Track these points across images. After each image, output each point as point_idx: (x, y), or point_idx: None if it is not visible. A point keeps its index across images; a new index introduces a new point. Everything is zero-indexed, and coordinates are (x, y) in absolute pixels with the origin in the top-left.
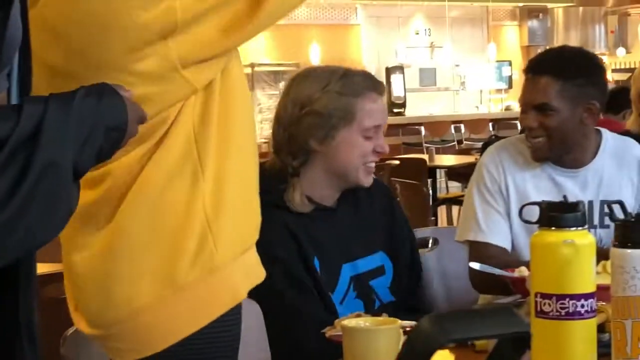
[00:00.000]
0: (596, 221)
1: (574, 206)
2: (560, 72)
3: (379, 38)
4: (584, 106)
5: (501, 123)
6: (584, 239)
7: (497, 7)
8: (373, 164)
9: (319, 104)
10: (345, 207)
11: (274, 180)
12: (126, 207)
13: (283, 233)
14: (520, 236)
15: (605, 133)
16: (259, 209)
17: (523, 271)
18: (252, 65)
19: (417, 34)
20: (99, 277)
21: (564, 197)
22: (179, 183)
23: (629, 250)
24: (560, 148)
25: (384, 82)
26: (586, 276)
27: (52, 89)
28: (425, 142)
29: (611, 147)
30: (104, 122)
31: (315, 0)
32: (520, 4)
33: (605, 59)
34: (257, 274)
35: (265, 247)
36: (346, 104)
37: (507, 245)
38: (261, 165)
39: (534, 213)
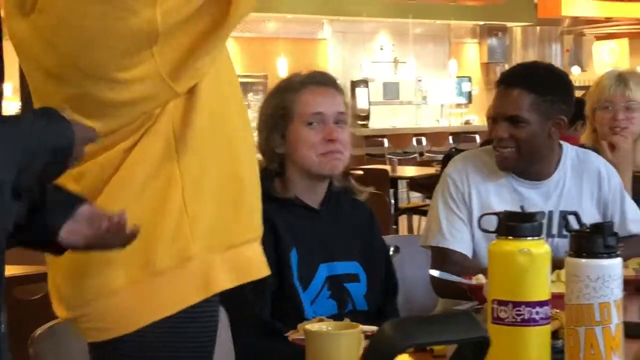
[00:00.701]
0: (555, 231)
1: (531, 216)
2: (533, 86)
3: (344, 52)
4: (553, 121)
5: (461, 136)
6: (539, 249)
7: (458, 25)
8: (333, 153)
9: (265, 109)
10: (328, 212)
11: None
12: (106, 197)
13: (266, 227)
14: (481, 244)
15: (567, 146)
16: (255, 211)
17: (480, 279)
18: None
19: (382, 49)
20: (76, 260)
21: (521, 207)
22: (157, 179)
23: (583, 260)
24: (527, 159)
25: (350, 95)
26: (541, 284)
27: (47, 90)
28: (388, 154)
29: (572, 160)
30: (49, 144)
31: (283, 14)
32: (481, 23)
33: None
34: (251, 271)
35: None
36: (283, 100)
37: (469, 252)
38: None
39: (493, 222)
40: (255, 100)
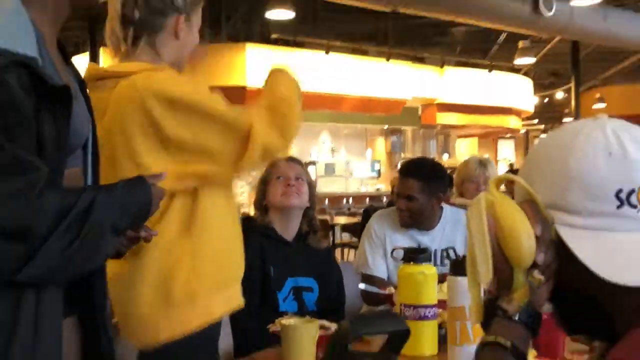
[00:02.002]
0: (438, 262)
1: (424, 251)
2: (421, 176)
3: (301, 144)
4: (435, 197)
5: (374, 198)
6: (430, 270)
7: (372, 128)
8: (288, 193)
9: (259, 181)
10: (298, 245)
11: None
12: (143, 254)
13: (256, 249)
14: (392, 271)
15: (445, 207)
16: (239, 266)
17: (391, 290)
18: None
19: (324, 142)
20: (121, 291)
21: (418, 245)
22: (176, 246)
23: (458, 278)
24: (418, 221)
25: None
26: (431, 294)
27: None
28: (328, 209)
29: (448, 215)
30: (135, 201)
31: None
32: (386, 126)
33: (437, 160)
34: (237, 302)
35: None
36: (267, 172)
37: (385, 277)
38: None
39: (401, 254)
40: (245, 177)
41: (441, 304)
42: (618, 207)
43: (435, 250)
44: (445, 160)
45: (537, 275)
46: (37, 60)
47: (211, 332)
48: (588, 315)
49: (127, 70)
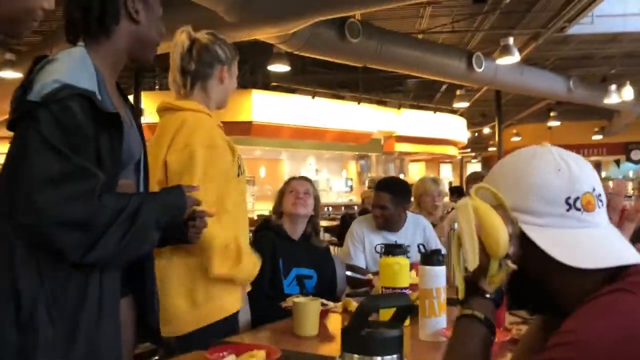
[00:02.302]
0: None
1: (400, 246)
2: (391, 190)
3: (292, 166)
4: (402, 206)
5: (348, 207)
6: (404, 262)
7: (346, 154)
8: (296, 204)
9: (279, 192)
10: (302, 243)
11: (273, 221)
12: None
13: (269, 245)
14: (370, 264)
15: (408, 213)
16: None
17: (370, 276)
18: None
19: (310, 165)
20: (165, 287)
21: (395, 242)
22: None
23: (427, 267)
24: (389, 224)
25: None
26: (405, 278)
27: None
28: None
29: (410, 219)
30: (173, 204)
31: (262, 147)
32: (356, 152)
33: None
34: (242, 300)
35: (257, 248)
36: (283, 187)
37: (364, 266)
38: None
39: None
40: (250, 189)
41: (413, 286)
42: (567, 210)
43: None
44: (401, 178)
45: (510, 264)
46: (95, 93)
47: (228, 318)
48: (535, 295)
49: (187, 107)
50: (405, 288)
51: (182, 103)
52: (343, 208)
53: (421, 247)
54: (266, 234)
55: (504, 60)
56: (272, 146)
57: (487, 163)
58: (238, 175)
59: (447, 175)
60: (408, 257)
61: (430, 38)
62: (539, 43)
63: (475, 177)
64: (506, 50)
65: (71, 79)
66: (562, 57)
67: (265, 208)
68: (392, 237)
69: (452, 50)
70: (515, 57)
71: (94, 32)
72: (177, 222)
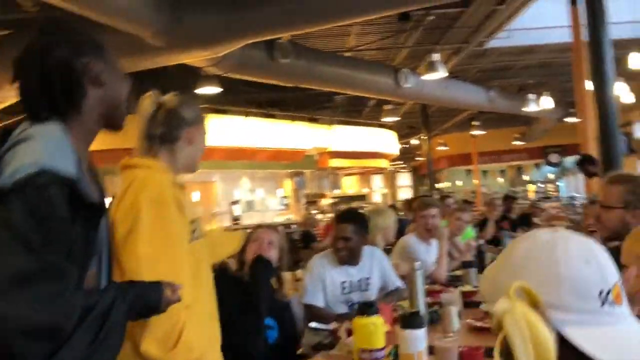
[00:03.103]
0: (363, 288)
1: (372, 305)
2: (353, 221)
3: (225, 188)
4: (363, 237)
5: (286, 226)
6: (378, 321)
7: (281, 172)
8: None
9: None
10: None
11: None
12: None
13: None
14: (330, 302)
15: (364, 247)
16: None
17: (334, 325)
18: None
19: (244, 184)
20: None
21: (369, 300)
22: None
23: (406, 330)
24: (351, 257)
25: (233, 214)
26: (381, 339)
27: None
28: None
29: (366, 251)
30: (146, 302)
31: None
32: (290, 170)
33: (329, 194)
34: None
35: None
36: (250, 235)
37: (322, 305)
38: None
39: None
40: None
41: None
42: (601, 305)
43: (361, 279)
44: (335, 192)
45: None
46: (78, 180)
47: None
48: None
49: (142, 164)
50: (382, 349)
51: (138, 160)
52: (279, 228)
53: (399, 308)
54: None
55: (431, 76)
56: (203, 168)
57: (417, 172)
58: (191, 240)
59: (378, 186)
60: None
61: (358, 55)
62: (460, 57)
63: (462, 209)
64: (432, 66)
65: (50, 162)
66: (482, 69)
67: None
68: (353, 271)
69: (380, 67)
70: (441, 73)
71: (62, 108)
72: (147, 318)
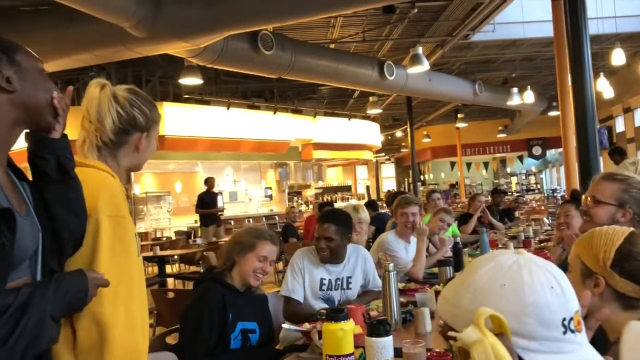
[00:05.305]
0: (345, 286)
1: (342, 310)
2: (335, 221)
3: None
4: (346, 237)
5: (269, 218)
6: (348, 326)
7: (265, 163)
8: (260, 275)
9: (241, 236)
10: (247, 295)
11: (220, 272)
12: None
13: (218, 298)
14: (309, 296)
15: (349, 245)
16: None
17: (309, 327)
18: (146, 192)
19: (228, 175)
20: None
21: (338, 302)
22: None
23: (373, 338)
24: (334, 256)
25: (215, 202)
26: (350, 344)
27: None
28: (234, 228)
29: (351, 250)
30: (71, 289)
31: (177, 160)
32: (275, 161)
33: (313, 185)
34: None
35: (205, 300)
36: (252, 241)
37: (301, 299)
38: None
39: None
40: (166, 205)
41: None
42: (564, 333)
43: (343, 278)
44: (319, 184)
45: None
46: None
47: None
48: None
49: (88, 163)
50: (350, 354)
51: (84, 160)
52: (264, 219)
53: (366, 315)
54: (214, 287)
55: (415, 69)
56: (186, 159)
57: (401, 164)
58: (138, 255)
59: (362, 176)
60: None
61: (342, 47)
62: (445, 50)
63: (446, 211)
64: (416, 59)
65: None
66: (466, 62)
67: (182, 224)
68: (335, 269)
69: (365, 59)
70: (424, 66)
71: None
72: (77, 310)
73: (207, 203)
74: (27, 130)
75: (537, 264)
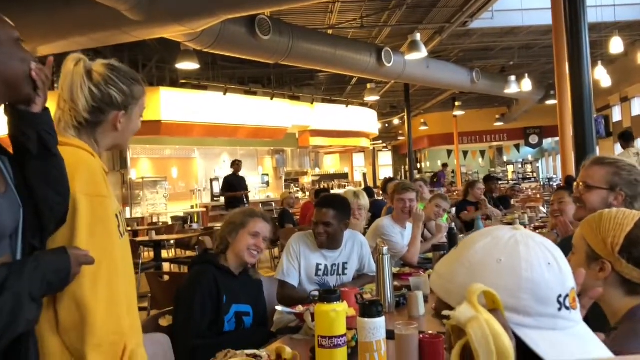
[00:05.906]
0: (340, 272)
1: (334, 292)
2: (334, 207)
3: (205, 164)
4: (343, 222)
5: (265, 205)
6: (340, 307)
7: (261, 149)
8: (254, 252)
9: (232, 218)
10: (242, 278)
11: (215, 254)
12: None
13: (211, 281)
14: (304, 281)
15: (346, 231)
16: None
17: (301, 309)
18: (142, 177)
19: (224, 162)
20: None
21: (333, 288)
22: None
23: (366, 319)
24: (331, 242)
25: (211, 188)
26: (342, 326)
27: None
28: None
29: (349, 236)
30: (51, 268)
31: (174, 145)
32: (272, 148)
33: (310, 172)
34: None
35: (198, 282)
36: (244, 219)
37: (296, 284)
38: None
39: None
40: (163, 191)
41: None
42: (559, 309)
43: (339, 264)
44: (316, 171)
45: None
46: None
47: None
48: None
49: (67, 141)
50: (343, 335)
51: (62, 137)
52: (261, 205)
53: (358, 297)
54: (207, 269)
55: (412, 56)
56: (183, 145)
57: (398, 152)
58: (121, 235)
59: (359, 164)
60: (340, 275)
61: (340, 33)
62: (443, 37)
63: (441, 197)
64: (414, 46)
65: None
66: (464, 49)
67: (179, 209)
68: (331, 255)
69: (363, 45)
70: (422, 53)
71: None
72: (59, 290)
73: (233, 186)
74: (7, 104)
75: (534, 240)
